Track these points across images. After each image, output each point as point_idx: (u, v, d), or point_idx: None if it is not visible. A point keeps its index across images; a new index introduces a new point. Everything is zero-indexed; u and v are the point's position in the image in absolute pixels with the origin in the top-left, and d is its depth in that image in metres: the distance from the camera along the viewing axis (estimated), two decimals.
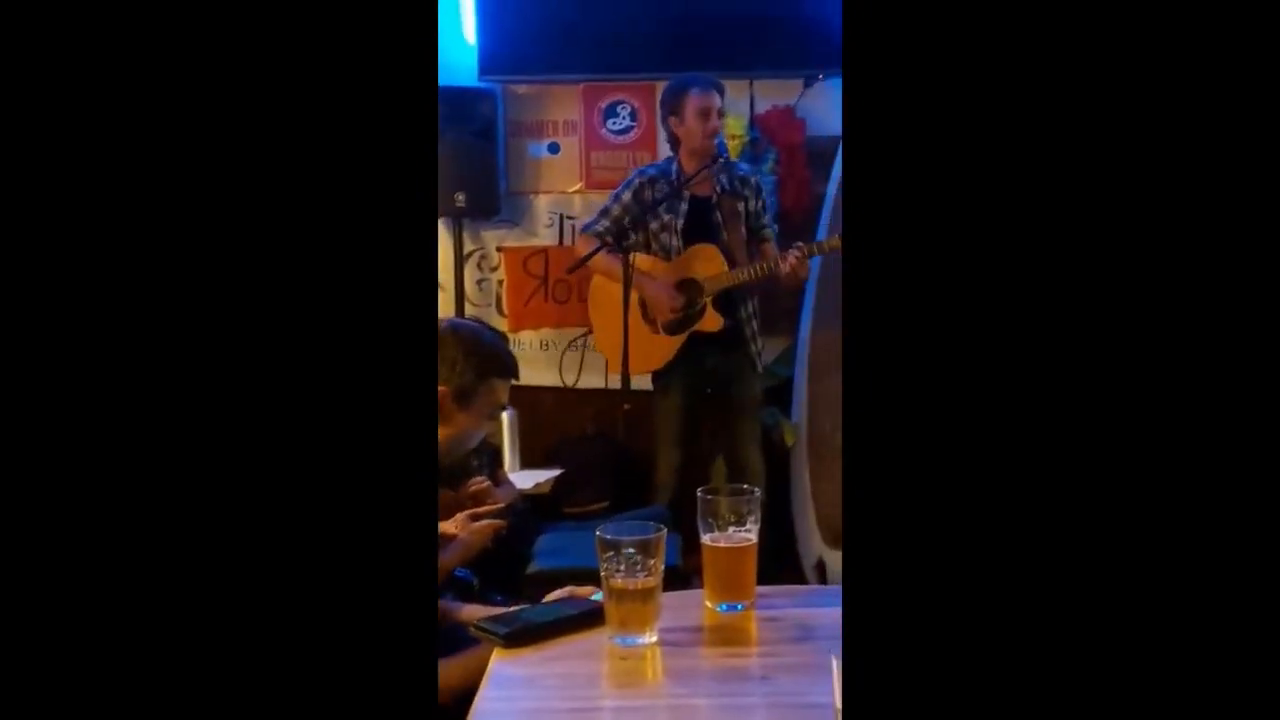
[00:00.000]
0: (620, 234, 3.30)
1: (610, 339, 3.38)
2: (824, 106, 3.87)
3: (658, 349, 3.40)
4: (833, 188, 3.73)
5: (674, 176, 3.39)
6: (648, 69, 3.82)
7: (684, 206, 3.39)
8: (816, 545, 3.53)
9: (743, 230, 3.38)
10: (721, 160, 3.33)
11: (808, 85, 3.85)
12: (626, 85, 3.92)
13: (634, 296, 3.32)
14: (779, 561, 3.55)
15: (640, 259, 3.37)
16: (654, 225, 3.40)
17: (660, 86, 3.76)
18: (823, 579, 3.45)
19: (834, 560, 3.44)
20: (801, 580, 3.51)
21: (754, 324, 3.47)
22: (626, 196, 3.42)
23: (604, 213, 3.45)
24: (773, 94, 3.87)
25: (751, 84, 3.82)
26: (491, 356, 1.90)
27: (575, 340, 4.03)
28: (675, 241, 3.39)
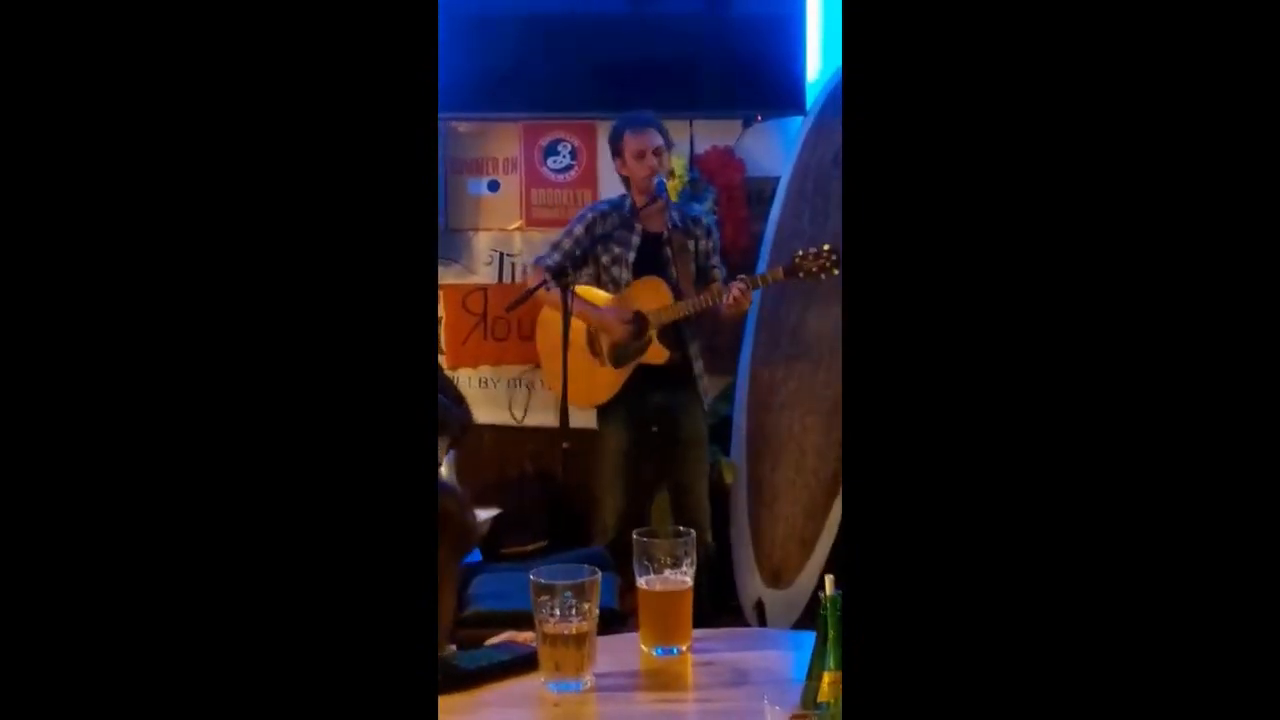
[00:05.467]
0: (573, 266, 3.31)
1: (556, 375, 3.37)
2: (762, 147, 3.91)
3: (603, 382, 3.39)
4: (771, 227, 3.76)
5: (626, 210, 3.40)
6: (588, 108, 3.83)
7: (636, 240, 3.40)
8: (756, 585, 3.52)
9: (692, 267, 3.40)
10: (661, 200, 3.34)
11: (746, 126, 3.89)
12: (567, 124, 3.93)
13: (580, 330, 3.32)
14: (718, 601, 3.54)
15: (586, 291, 3.37)
16: (605, 259, 3.41)
17: (601, 126, 3.79)
18: (762, 618, 3.45)
19: (773, 600, 3.44)
20: (741, 620, 3.50)
21: (700, 360, 3.48)
22: (579, 230, 3.42)
23: (555, 246, 3.43)
24: (712, 135, 3.90)
25: (691, 124, 3.85)
26: None
27: (517, 378, 4.01)
28: (626, 275, 3.40)
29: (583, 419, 3.37)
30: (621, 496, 3.41)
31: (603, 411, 3.43)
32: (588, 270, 3.41)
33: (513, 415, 4.02)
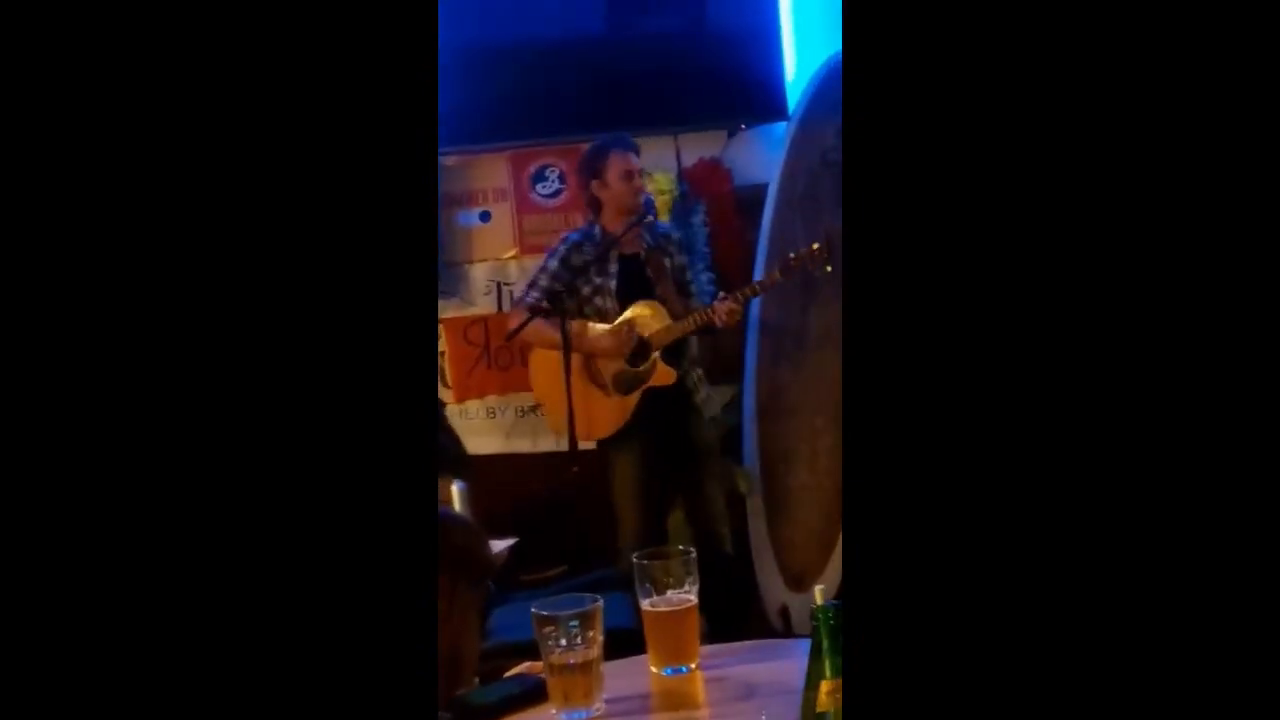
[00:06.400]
0: (553, 301, 3.28)
1: (559, 408, 3.31)
2: (749, 156, 3.92)
3: (612, 411, 3.37)
4: (764, 233, 3.77)
5: (596, 239, 3.38)
6: (572, 132, 3.85)
7: (614, 267, 3.38)
8: (779, 591, 3.51)
9: (673, 285, 3.39)
10: (650, 219, 3.34)
11: (731, 136, 3.91)
12: (553, 149, 3.96)
13: (577, 361, 3.30)
14: (743, 611, 3.53)
15: (580, 324, 3.36)
16: (586, 290, 3.38)
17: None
18: (787, 624, 3.44)
19: (797, 604, 3.43)
20: (767, 627, 3.50)
21: (696, 371, 3.46)
22: (553, 265, 3.40)
23: (532, 284, 3.41)
24: (699, 147, 3.92)
25: (676, 139, 3.87)
26: None
27: (524, 409, 4.01)
28: (610, 303, 3.38)
29: (585, 441, 3.35)
30: (641, 518, 3.40)
31: (610, 440, 3.40)
32: (570, 303, 3.37)
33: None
